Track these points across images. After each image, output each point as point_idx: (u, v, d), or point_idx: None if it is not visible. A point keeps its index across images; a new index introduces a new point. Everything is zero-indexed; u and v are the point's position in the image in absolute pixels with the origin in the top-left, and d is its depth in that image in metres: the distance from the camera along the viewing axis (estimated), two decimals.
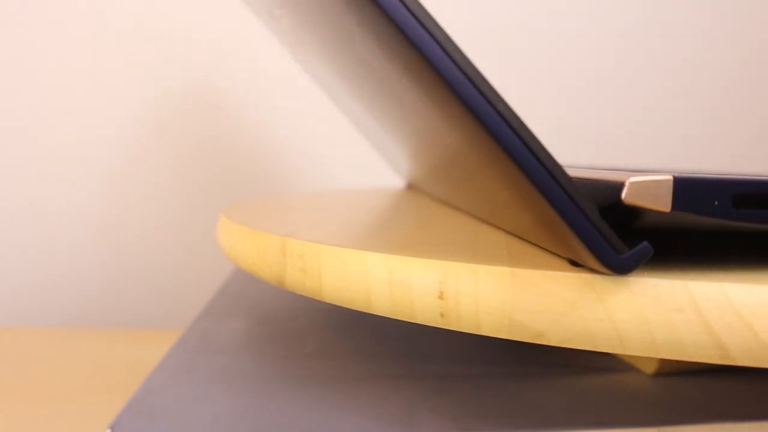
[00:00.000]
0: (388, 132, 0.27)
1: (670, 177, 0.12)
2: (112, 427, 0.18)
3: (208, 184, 0.47)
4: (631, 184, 0.12)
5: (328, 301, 0.17)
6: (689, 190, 0.12)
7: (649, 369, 0.22)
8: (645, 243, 0.12)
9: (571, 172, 0.14)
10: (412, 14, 0.11)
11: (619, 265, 0.12)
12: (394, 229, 0.20)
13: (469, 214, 0.24)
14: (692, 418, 0.19)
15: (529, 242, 0.18)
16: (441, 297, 0.15)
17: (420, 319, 0.15)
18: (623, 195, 0.12)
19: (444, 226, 0.21)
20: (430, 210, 0.26)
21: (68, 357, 0.35)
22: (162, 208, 0.47)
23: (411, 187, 0.40)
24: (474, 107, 0.12)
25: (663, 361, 0.22)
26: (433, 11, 0.47)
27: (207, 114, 0.47)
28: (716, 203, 0.12)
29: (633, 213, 0.13)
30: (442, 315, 0.15)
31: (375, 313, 0.16)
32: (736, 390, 0.20)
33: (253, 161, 0.48)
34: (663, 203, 0.12)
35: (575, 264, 0.14)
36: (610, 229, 0.12)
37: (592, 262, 0.13)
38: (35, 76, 0.45)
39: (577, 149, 0.50)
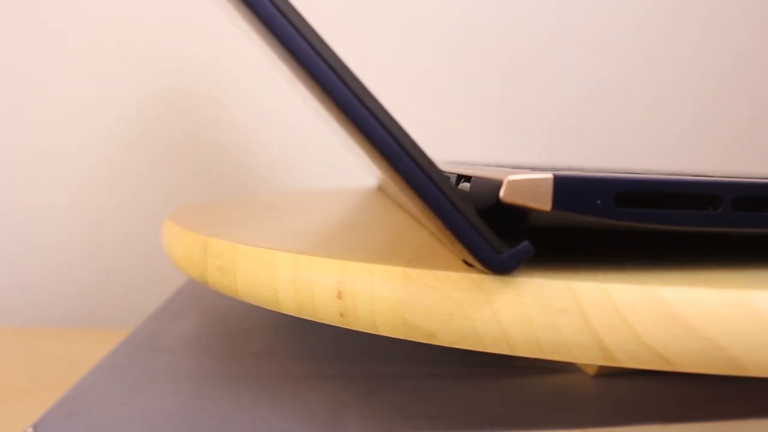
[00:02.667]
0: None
1: (550, 175, 0.12)
2: (34, 426, 0.18)
3: (176, 186, 0.47)
4: (510, 182, 0.12)
5: (244, 300, 0.17)
6: (570, 189, 0.12)
7: (591, 369, 0.22)
8: (525, 242, 0.12)
9: (465, 170, 0.14)
10: (273, 4, 0.11)
11: (498, 265, 0.12)
12: (321, 230, 0.20)
13: (410, 214, 0.24)
14: (626, 419, 0.18)
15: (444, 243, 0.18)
16: (339, 297, 0.14)
17: (322, 319, 0.15)
18: (501, 193, 0.12)
19: (375, 227, 0.21)
20: (377, 211, 0.26)
21: (38, 356, 0.36)
22: (134, 209, 0.47)
23: (380, 188, 0.40)
24: (344, 106, 0.12)
25: None
26: (440, 9, 0.46)
27: (190, 114, 0.47)
28: (599, 202, 0.12)
29: (520, 212, 0.13)
30: (341, 315, 0.15)
31: (283, 312, 0.16)
32: (677, 391, 0.20)
33: (233, 162, 0.48)
34: (543, 202, 0.12)
35: (470, 264, 0.14)
36: (488, 228, 0.12)
37: (474, 261, 0.12)
38: (13, 76, 0.46)
39: (576, 149, 0.49)
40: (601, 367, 0.21)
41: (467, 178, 0.15)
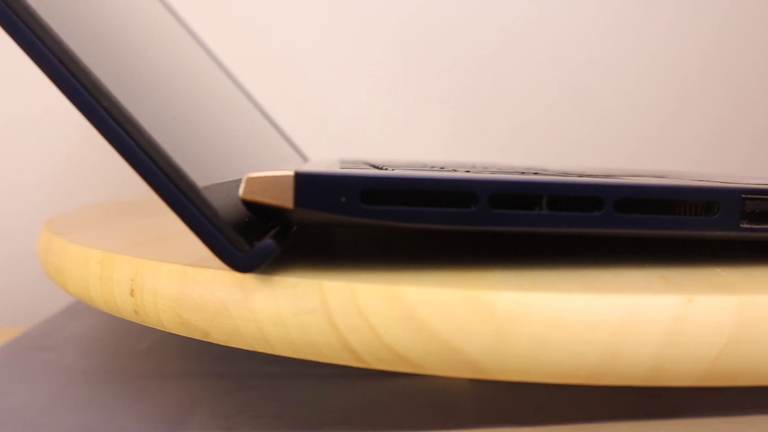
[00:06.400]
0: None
1: (290, 173, 0.12)
2: None
3: (90, 183, 0.47)
4: (249, 180, 0.12)
5: (74, 297, 0.17)
6: (313, 187, 0.12)
7: None
8: (269, 241, 0.12)
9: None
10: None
11: (239, 263, 0.12)
12: (171, 229, 0.20)
13: None
14: (491, 422, 0.18)
15: None
16: (132, 294, 0.15)
17: (124, 315, 0.15)
18: (240, 191, 0.12)
19: None
20: None
21: None
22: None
23: None
24: (77, 103, 0.12)
25: None
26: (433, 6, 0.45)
27: None
28: (343, 199, 0.12)
29: (273, 209, 0.13)
30: (136, 312, 0.15)
31: (97, 308, 0.16)
32: (556, 393, 0.20)
33: None
34: (285, 199, 0.12)
35: None
36: (229, 227, 0.12)
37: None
38: None
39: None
40: None
41: None
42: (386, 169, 0.17)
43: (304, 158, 0.38)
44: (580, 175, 0.15)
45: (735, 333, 0.11)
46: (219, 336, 0.13)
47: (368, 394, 0.20)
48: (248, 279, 0.13)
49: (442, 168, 0.19)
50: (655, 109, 0.48)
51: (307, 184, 0.12)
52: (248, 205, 0.13)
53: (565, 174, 0.17)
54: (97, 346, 0.24)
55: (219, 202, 0.13)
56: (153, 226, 0.21)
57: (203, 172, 0.14)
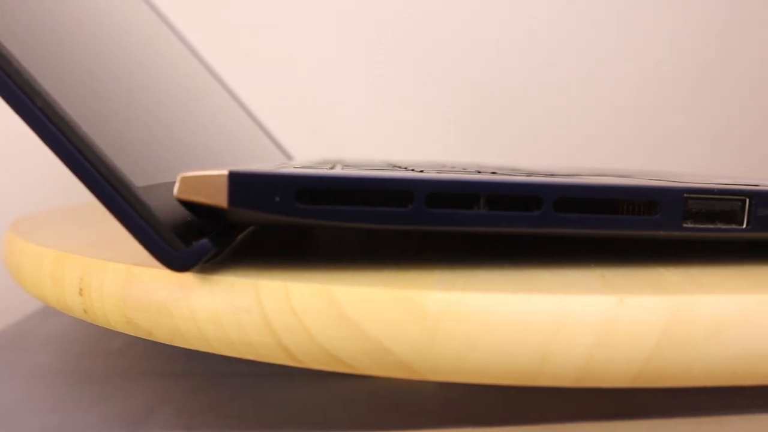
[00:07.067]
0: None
1: (224, 172, 0.12)
2: None
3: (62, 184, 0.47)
4: (183, 179, 0.12)
5: (31, 295, 0.17)
6: (247, 186, 0.12)
7: None
8: (204, 240, 0.12)
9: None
10: None
11: (173, 262, 0.12)
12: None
13: None
14: (455, 423, 0.18)
15: None
16: (81, 293, 0.15)
17: (75, 314, 0.15)
18: (175, 191, 0.12)
19: None
20: None
21: None
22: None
23: None
24: (15, 106, 0.12)
25: None
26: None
27: None
28: (278, 199, 0.12)
29: (211, 209, 0.13)
30: (85, 311, 0.15)
31: (52, 307, 0.16)
32: (524, 393, 0.19)
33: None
34: (219, 199, 0.12)
35: None
36: (164, 226, 0.12)
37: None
38: None
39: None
40: None
41: None
42: (340, 169, 0.16)
43: (289, 158, 0.38)
44: (530, 174, 0.15)
45: (666, 334, 0.11)
46: (161, 335, 0.13)
47: (334, 394, 0.20)
48: (188, 278, 0.13)
49: (406, 168, 0.19)
50: (656, 109, 0.48)
51: (242, 184, 0.12)
52: (186, 204, 0.13)
53: (530, 174, 0.17)
54: (70, 346, 0.24)
55: (162, 201, 0.13)
56: (115, 226, 0.21)
57: (159, 172, 0.14)
